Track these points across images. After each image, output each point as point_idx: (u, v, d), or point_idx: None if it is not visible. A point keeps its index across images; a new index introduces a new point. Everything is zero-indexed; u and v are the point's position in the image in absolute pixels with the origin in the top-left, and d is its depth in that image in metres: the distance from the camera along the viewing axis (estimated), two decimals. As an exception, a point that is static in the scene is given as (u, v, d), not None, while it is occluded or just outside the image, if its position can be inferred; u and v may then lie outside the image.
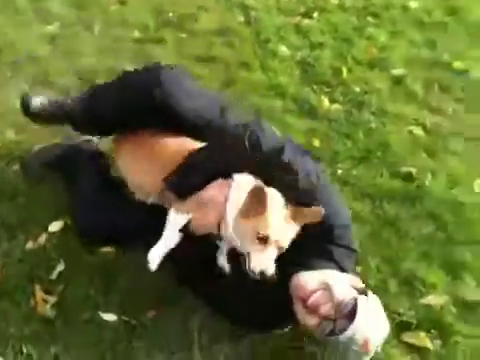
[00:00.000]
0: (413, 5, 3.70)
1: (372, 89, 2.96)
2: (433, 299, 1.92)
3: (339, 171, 2.44)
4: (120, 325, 1.81)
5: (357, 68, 3.12)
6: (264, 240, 1.64)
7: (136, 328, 1.81)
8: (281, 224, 1.66)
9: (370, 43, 3.31)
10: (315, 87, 2.96)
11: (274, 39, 3.27)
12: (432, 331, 1.81)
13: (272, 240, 1.63)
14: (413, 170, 2.44)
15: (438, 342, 1.79)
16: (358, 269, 1.96)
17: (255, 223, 1.64)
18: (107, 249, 2.01)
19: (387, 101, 2.89)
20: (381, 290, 1.93)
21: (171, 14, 3.30)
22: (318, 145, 2.59)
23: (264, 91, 2.89)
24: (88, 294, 1.88)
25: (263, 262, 1.62)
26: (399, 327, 1.84)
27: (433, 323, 1.84)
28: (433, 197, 2.32)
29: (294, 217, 1.68)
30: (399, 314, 1.87)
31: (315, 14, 3.56)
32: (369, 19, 3.58)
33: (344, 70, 3.07)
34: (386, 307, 1.85)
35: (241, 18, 3.41)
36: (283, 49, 3.24)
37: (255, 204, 1.65)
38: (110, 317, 1.82)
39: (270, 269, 1.62)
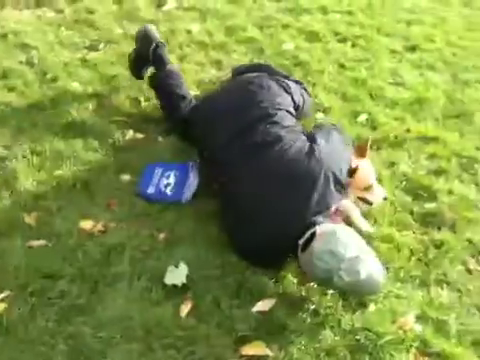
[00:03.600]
0: (195, 28, 3.87)
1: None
2: (263, 305, 1.99)
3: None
4: None
5: (154, 95, 3.14)
6: (369, 188, 2.37)
7: None
8: (366, 165, 2.43)
9: (162, 69, 3.37)
10: (115, 120, 2.91)
11: (62, 76, 3.14)
12: (267, 337, 1.87)
13: (373, 183, 2.39)
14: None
15: (275, 346, 1.86)
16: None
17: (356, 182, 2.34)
18: None
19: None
20: (215, 311, 1.95)
21: None
22: (129, 179, 2.55)
23: (61, 132, 2.75)
24: None
25: (377, 195, 2.39)
26: (237, 342, 1.86)
27: (267, 328, 1.90)
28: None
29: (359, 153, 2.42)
30: (235, 329, 1.90)
31: (101, 46, 3.51)
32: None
33: (142, 99, 3.07)
34: (221, 326, 1.90)
35: (22, 58, 3.22)
36: (75, 85, 3.12)
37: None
38: None
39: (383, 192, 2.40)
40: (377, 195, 2.38)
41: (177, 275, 2.07)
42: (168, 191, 2.47)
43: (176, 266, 2.09)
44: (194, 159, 2.58)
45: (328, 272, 1.85)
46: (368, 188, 2.36)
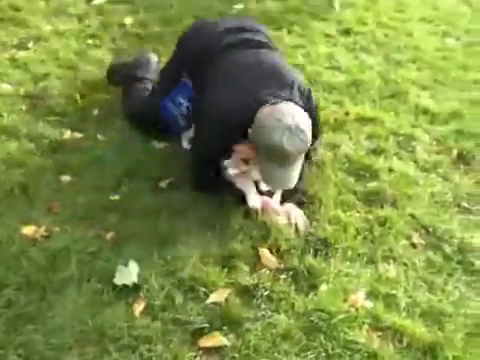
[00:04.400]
0: (128, 21, 3.78)
1: (112, 110, 2.94)
2: (217, 296, 1.98)
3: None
4: None
5: (89, 91, 3.06)
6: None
7: None
8: None
9: (96, 65, 3.28)
10: (50, 120, 2.81)
11: (-9, 78, 3.01)
12: (224, 328, 1.88)
13: None
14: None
15: (232, 335, 1.86)
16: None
17: None
18: None
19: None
20: (169, 307, 1.93)
21: None
22: (69, 179, 2.47)
23: (-7, 136, 2.63)
24: None
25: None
26: (194, 335, 1.85)
27: (222, 319, 1.90)
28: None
29: None
30: (191, 323, 1.89)
31: (30, 44, 3.38)
32: (89, 41, 3.54)
33: (77, 97, 2.98)
34: (177, 321, 1.89)
35: None
36: (4, 86, 2.99)
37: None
38: None
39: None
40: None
41: (127, 274, 2.03)
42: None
43: (126, 265, 2.05)
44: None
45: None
46: None
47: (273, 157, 2.10)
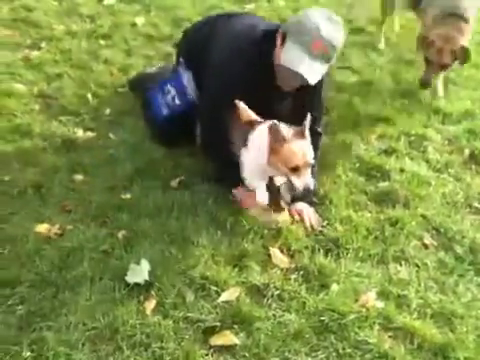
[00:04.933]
0: (140, 22, 3.80)
1: (124, 109, 2.96)
2: (228, 295, 1.99)
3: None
4: None
5: (102, 92, 3.08)
6: (296, 169, 2.10)
7: None
8: (299, 146, 2.12)
9: (108, 65, 3.31)
10: (63, 119, 2.84)
11: (4, 78, 3.03)
12: (235, 326, 1.88)
13: (301, 165, 2.09)
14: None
15: (242, 334, 1.86)
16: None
17: (282, 158, 2.12)
18: None
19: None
20: (180, 305, 1.94)
21: None
22: (82, 178, 2.49)
23: (7, 136, 2.65)
24: None
25: (303, 182, 2.11)
26: (205, 333, 1.86)
27: (233, 318, 1.91)
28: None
29: (299, 134, 2.13)
30: (202, 321, 1.90)
31: (43, 44, 3.41)
32: (101, 42, 3.57)
33: (89, 96, 3.01)
34: (188, 320, 1.90)
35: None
36: (18, 86, 3.02)
37: (275, 140, 2.11)
38: None
39: (311, 184, 2.12)
40: (302, 182, 2.14)
41: (139, 273, 2.04)
42: (177, 101, 2.64)
43: (138, 264, 2.07)
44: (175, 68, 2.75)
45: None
46: (295, 169, 2.14)
47: (305, 42, 2.11)
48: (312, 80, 2.17)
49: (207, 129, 2.44)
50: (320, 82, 2.27)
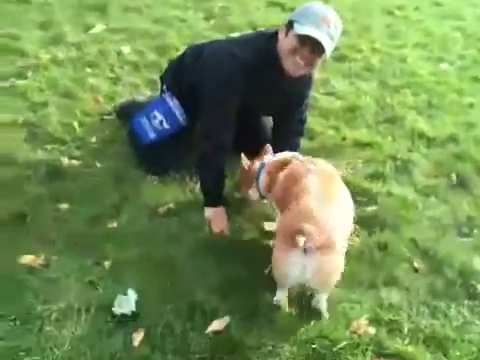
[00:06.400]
0: (126, 50, 3.82)
1: (110, 137, 2.94)
2: (217, 324, 1.95)
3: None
4: None
5: (88, 120, 3.07)
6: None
7: None
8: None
9: (94, 93, 3.30)
10: (48, 147, 2.81)
11: (-12, 107, 3.01)
12: (225, 357, 1.84)
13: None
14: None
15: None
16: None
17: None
18: None
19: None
20: (168, 336, 1.90)
21: None
22: (67, 207, 2.46)
23: (-9, 164, 2.62)
24: None
25: None
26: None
27: (223, 348, 1.87)
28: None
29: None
30: (191, 353, 1.85)
31: (29, 73, 3.40)
32: (87, 70, 3.57)
33: (75, 125, 2.99)
34: (177, 351, 1.85)
35: None
36: (3, 116, 3.00)
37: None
38: None
39: None
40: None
41: (126, 303, 2.00)
42: (165, 126, 2.65)
43: (124, 294, 2.03)
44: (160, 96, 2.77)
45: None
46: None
47: (312, 21, 2.18)
48: (327, 46, 2.20)
49: (206, 133, 2.42)
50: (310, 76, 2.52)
